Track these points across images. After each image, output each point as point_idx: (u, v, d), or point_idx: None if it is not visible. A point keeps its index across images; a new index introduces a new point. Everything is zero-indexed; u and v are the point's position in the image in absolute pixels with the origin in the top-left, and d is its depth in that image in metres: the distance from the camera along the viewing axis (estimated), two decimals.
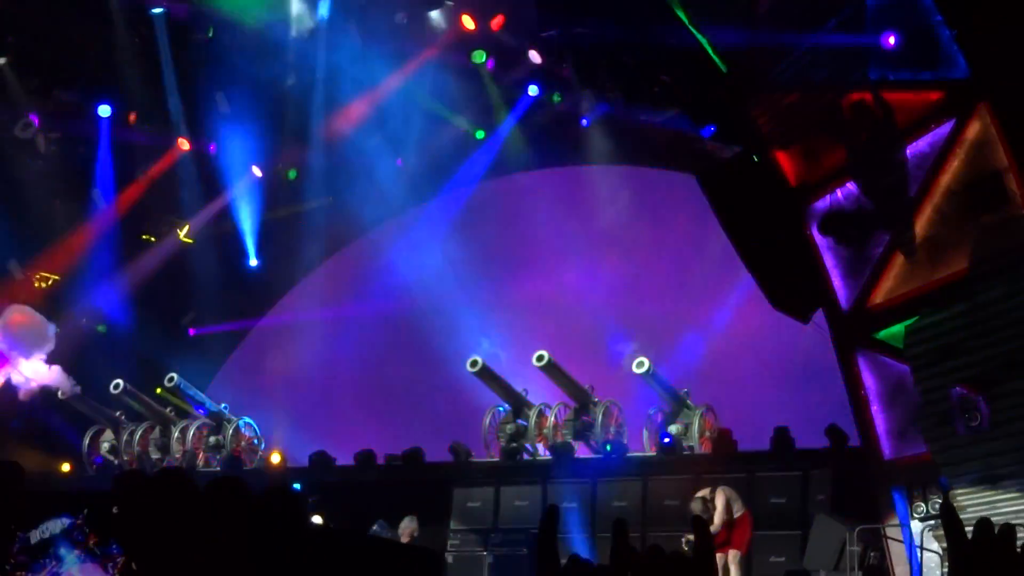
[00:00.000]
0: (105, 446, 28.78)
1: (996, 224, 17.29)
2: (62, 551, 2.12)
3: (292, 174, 30.82)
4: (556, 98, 27.48)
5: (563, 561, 2.91)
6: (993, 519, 12.56)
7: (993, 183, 17.35)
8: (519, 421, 25.33)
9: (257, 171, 30.07)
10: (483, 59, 27.09)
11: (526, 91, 27.59)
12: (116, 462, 28.25)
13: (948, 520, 3.43)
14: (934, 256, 18.21)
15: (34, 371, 28.01)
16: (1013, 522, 15.94)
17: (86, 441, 28.91)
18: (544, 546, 2.82)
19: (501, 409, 25.66)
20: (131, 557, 2.01)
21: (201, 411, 28.88)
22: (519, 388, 25.50)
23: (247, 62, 26.89)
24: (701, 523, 2.87)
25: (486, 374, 25.22)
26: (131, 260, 30.83)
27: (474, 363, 25.08)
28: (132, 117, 28.72)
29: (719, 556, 19.94)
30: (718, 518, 20.11)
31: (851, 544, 19.28)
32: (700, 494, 20.63)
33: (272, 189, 30.94)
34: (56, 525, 2.14)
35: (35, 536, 2.14)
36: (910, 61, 18.12)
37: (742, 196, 20.42)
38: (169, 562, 1.92)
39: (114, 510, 2.05)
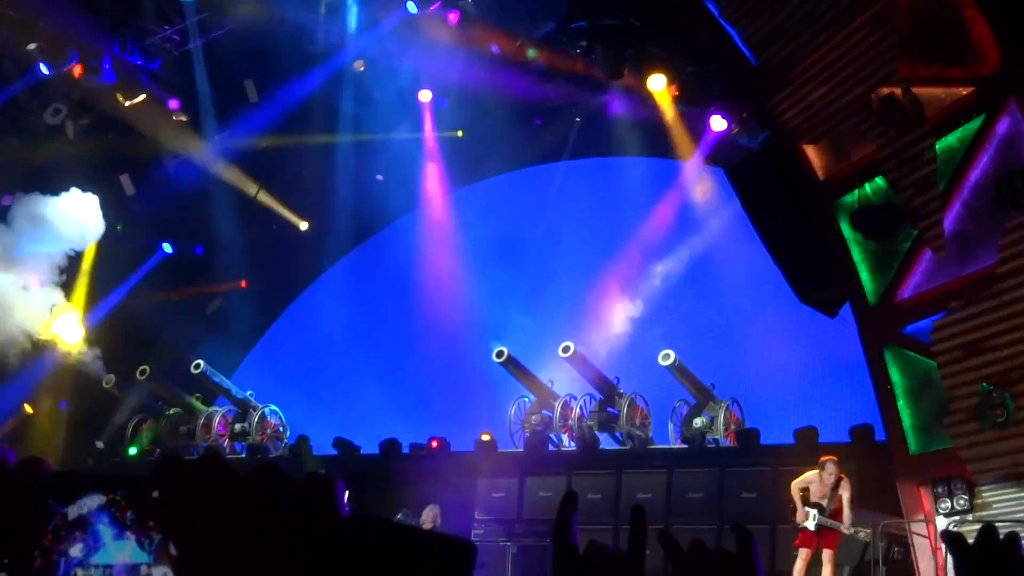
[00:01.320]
0: (147, 436, 28.79)
1: None
2: (99, 527, 2.14)
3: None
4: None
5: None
6: (1018, 516, 12.52)
7: (1022, 179, 17.30)
8: (544, 412, 25.35)
9: None
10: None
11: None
12: (157, 451, 28.29)
13: (950, 543, 3.45)
14: (962, 252, 18.17)
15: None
16: None
17: (129, 430, 28.96)
18: (561, 532, 2.83)
19: (527, 400, 25.70)
20: (169, 540, 2.04)
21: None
22: (545, 379, 25.54)
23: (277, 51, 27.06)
24: (744, 532, 2.88)
25: (512, 364, 25.26)
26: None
27: (500, 353, 25.13)
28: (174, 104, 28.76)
29: (805, 552, 19.61)
30: (848, 517, 19.54)
31: (875, 539, 19.26)
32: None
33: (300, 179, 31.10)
34: (94, 501, 2.17)
35: (73, 512, 2.17)
36: (940, 56, 18.08)
37: (770, 189, 20.40)
38: (207, 547, 1.94)
39: (154, 494, 2.07)
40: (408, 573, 2.12)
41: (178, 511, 2.08)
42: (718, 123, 22.19)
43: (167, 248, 31.26)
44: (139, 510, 2.22)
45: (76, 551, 2.27)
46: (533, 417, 25.35)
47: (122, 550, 2.24)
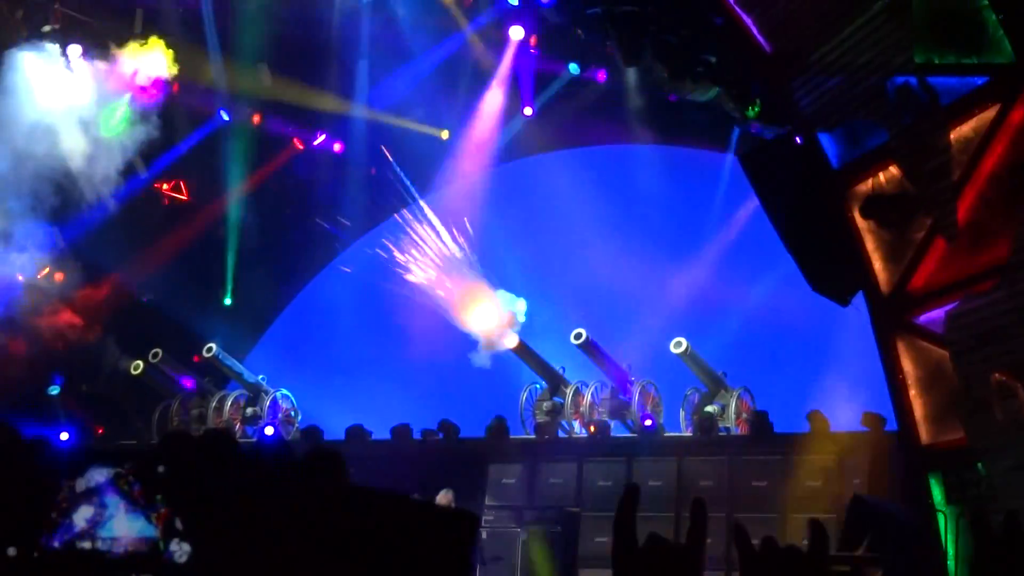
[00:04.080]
0: (175, 421, 28.69)
1: None
2: (107, 499, 2.16)
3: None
4: (573, 68, 27.55)
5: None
6: None
7: None
8: (555, 399, 25.37)
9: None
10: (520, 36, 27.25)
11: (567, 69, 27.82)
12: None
13: (976, 523, 3.44)
14: (976, 241, 18.11)
15: None
16: None
17: (156, 416, 28.87)
18: (622, 525, 2.82)
19: (538, 386, 25.71)
20: (176, 513, 2.06)
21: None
22: (557, 366, 25.56)
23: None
24: (820, 527, 2.88)
25: (524, 351, 25.28)
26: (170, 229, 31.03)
27: (511, 340, 25.15)
28: (175, 87, 28.66)
29: None
30: None
31: None
32: None
33: (312, 162, 31.17)
34: (101, 475, 2.19)
35: (80, 485, 2.19)
36: (956, 45, 18.03)
37: (783, 178, 20.36)
38: (214, 520, 1.96)
39: (160, 469, 2.10)
40: (413, 542, 2.13)
41: (184, 485, 2.09)
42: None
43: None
44: (145, 484, 2.24)
45: (83, 523, 2.29)
46: (545, 404, 25.37)
47: (128, 522, 2.25)
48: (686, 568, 2.78)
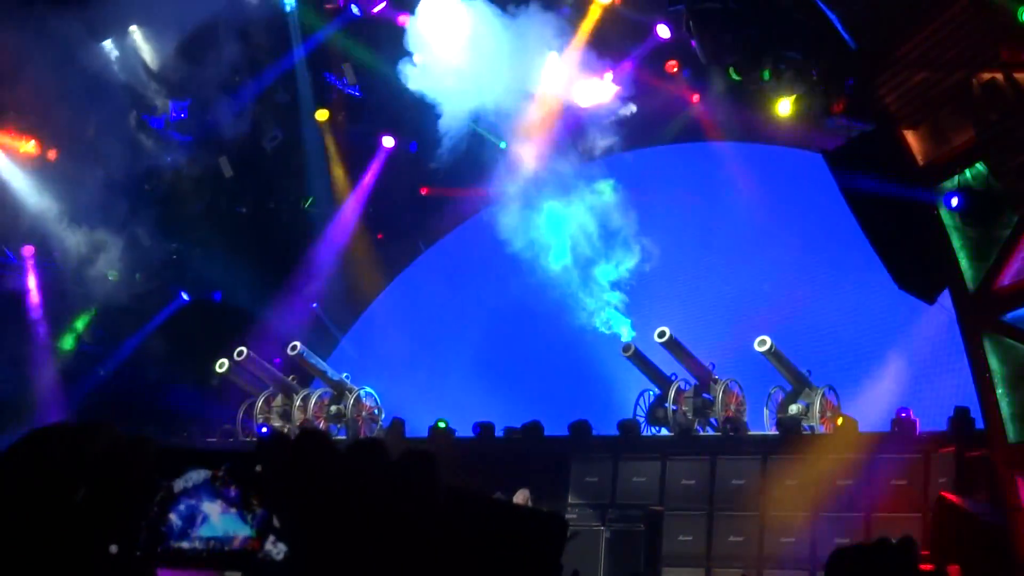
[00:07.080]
0: (260, 419, 28.85)
1: None
2: (204, 499, 2.21)
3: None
4: None
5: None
6: None
7: None
8: (667, 405, 25.32)
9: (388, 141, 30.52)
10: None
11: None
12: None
13: None
14: None
15: None
16: None
17: (240, 413, 29.08)
18: None
19: (651, 393, 25.73)
20: (273, 512, 2.12)
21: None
22: (668, 372, 25.55)
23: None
24: (911, 541, 2.92)
25: (637, 357, 25.32)
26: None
27: (627, 348, 25.27)
28: None
29: None
30: None
31: None
32: None
33: (397, 162, 31.26)
34: (199, 475, 2.24)
35: (178, 485, 2.24)
36: None
37: (869, 175, 20.25)
38: (310, 520, 2.00)
39: (257, 468, 2.15)
40: (504, 546, 2.16)
41: (281, 486, 2.13)
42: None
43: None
44: (242, 484, 2.29)
45: (180, 522, 2.34)
46: (658, 412, 25.38)
47: (225, 522, 2.30)
48: None
